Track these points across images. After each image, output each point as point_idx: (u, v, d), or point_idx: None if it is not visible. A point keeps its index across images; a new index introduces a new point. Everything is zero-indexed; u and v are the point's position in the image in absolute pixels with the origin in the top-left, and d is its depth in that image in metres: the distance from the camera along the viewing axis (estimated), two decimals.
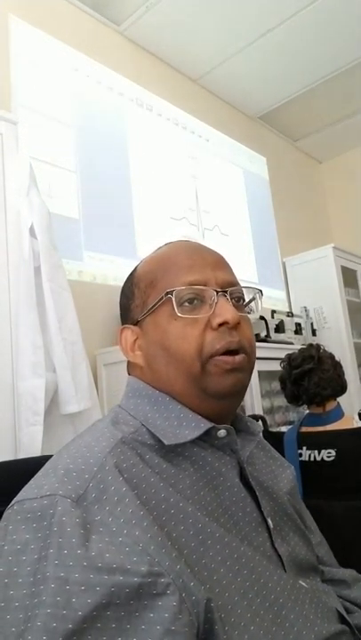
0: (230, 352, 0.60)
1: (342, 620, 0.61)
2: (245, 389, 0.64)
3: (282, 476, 0.72)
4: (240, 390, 0.62)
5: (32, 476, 0.55)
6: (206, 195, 3.09)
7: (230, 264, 0.69)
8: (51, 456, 0.58)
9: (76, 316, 1.62)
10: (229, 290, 0.63)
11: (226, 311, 0.60)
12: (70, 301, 1.61)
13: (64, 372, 1.52)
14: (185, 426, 0.59)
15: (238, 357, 0.60)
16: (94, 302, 2.21)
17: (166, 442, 0.57)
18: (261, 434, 0.71)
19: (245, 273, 3.19)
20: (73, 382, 1.53)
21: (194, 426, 0.59)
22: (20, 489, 0.52)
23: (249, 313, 0.67)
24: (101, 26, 2.72)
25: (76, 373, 1.55)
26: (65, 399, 1.51)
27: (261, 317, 2.77)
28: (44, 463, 0.57)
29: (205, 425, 0.60)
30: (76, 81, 2.47)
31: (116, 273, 2.36)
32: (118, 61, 2.75)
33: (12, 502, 0.51)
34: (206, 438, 0.61)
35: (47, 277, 1.54)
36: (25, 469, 0.71)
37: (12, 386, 1.44)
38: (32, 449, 1.39)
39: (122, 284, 0.72)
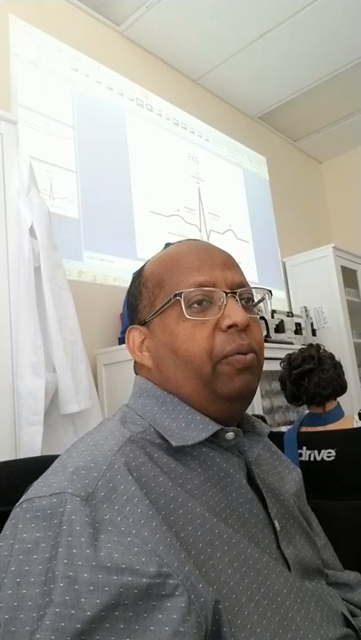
0: (241, 354, 0.59)
1: (347, 623, 0.60)
2: (254, 393, 0.63)
3: (288, 477, 0.72)
4: (249, 393, 0.62)
5: (32, 475, 0.54)
6: (206, 194, 3.09)
7: None
8: (51, 456, 0.58)
9: (76, 316, 1.62)
10: (239, 291, 0.62)
11: (235, 313, 0.59)
12: (70, 301, 1.61)
13: (64, 371, 1.52)
14: (193, 427, 0.59)
15: (249, 356, 0.59)
16: (94, 302, 2.21)
17: (174, 443, 0.57)
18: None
19: (245, 273, 3.16)
20: (73, 382, 1.53)
21: (202, 428, 0.59)
22: (21, 489, 0.52)
23: (258, 314, 0.66)
24: (101, 26, 2.72)
25: (76, 373, 1.55)
26: (65, 399, 1.51)
27: (261, 317, 2.76)
28: (44, 463, 0.56)
29: (213, 427, 0.59)
30: (75, 81, 2.47)
31: (116, 273, 2.35)
32: (118, 61, 2.74)
33: (21, 500, 0.50)
34: (214, 440, 0.60)
35: (47, 277, 1.54)
36: (25, 469, 0.71)
37: (11, 386, 1.44)
38: (32, 449, 1.39)
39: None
